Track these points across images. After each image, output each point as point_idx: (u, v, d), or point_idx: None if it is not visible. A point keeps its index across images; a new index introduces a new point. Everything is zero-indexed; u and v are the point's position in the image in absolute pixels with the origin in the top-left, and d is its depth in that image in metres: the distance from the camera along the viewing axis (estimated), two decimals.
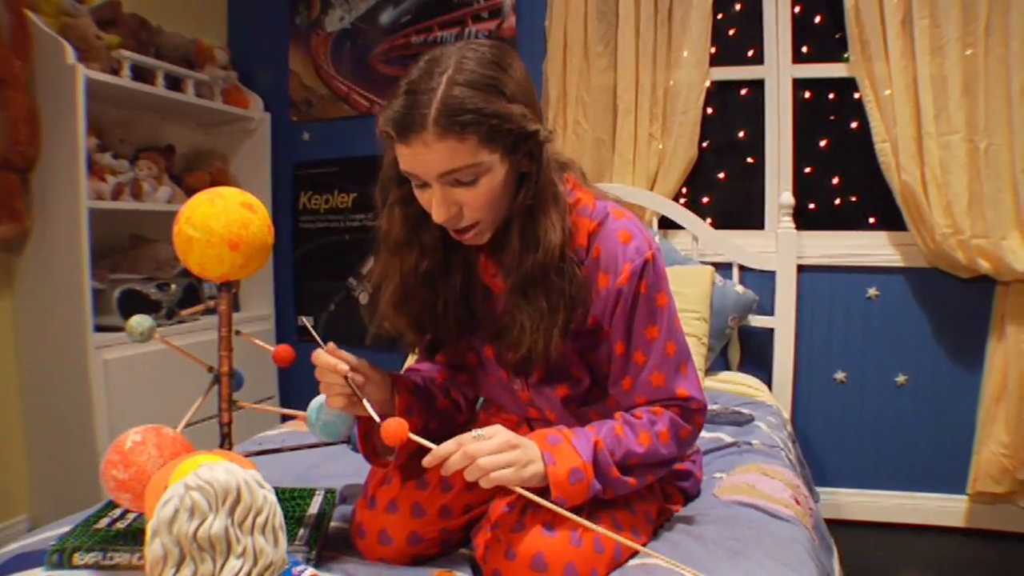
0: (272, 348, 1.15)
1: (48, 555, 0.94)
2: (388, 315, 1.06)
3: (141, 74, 2.30)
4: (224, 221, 1.00)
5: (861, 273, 2.28)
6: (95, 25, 2.19)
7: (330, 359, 0.93)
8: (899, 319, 2.26)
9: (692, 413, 1.01)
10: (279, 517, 0.64)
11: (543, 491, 0.88)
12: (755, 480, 1.32)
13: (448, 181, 0.88)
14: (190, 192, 2.52)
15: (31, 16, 2.05)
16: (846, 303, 2.31)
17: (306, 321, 1.08)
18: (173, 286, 2.32)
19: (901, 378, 2.27)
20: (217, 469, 0.62)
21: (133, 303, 2.18)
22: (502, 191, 0.92)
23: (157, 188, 2.32)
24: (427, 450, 0.85)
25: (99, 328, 2.08)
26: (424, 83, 0.86)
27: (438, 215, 0.90)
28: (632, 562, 0.98)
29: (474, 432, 0.87)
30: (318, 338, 0.97)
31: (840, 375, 2.33)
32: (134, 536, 1.00)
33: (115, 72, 2.21)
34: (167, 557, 0.59)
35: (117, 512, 1.10)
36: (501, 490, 1.07)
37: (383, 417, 0.87)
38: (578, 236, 0.98)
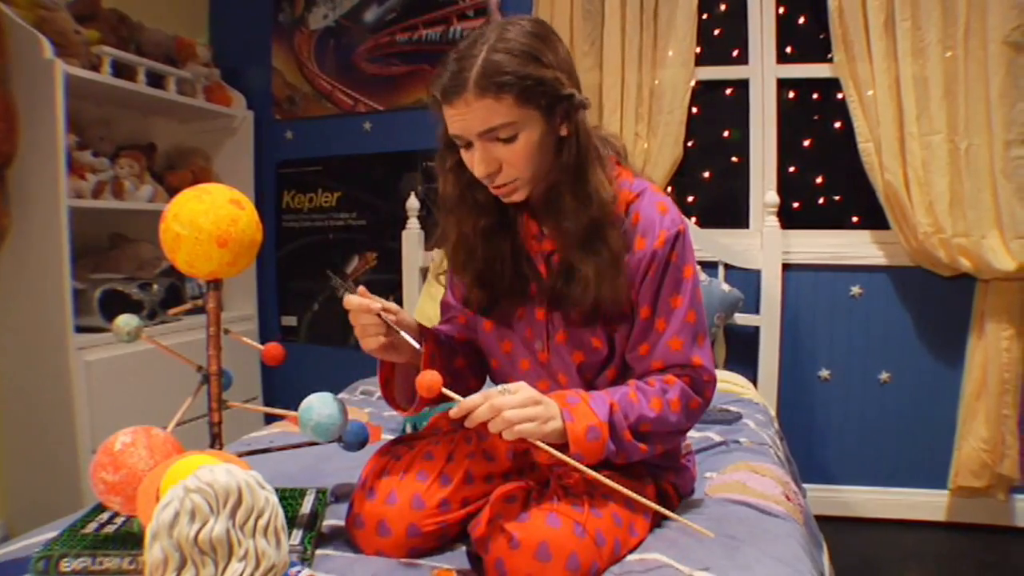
0: (261, 347, 1.14)
1: (33, 562, 0.92)
2: (458, 269, 1.13)
3: (122, 71, 2.25)
4: (212, 218, 0.98)
5: (845, 271, 2.31)
6: (73, 20, 2.14)
7: (362, 299, 0.98)
8: (882, 317, 2.29)
9: (703, 385, 1.05)
10: (281, 518, 0.63)
11: (561, 448, 0.93)
12: (746, 478, 1.33)
13: (489, 138, 0.96)
14: (172, 191, 2.48)
15: (3, 8, 2.00)
16: (830, 301, 2.33)
17: (331, 273, 1.15)
18: (155, 286, 2.28)
19: (884, 375, 2.31)
20: (217, 470, 0.61)
21: (115, 303, 2.14)
22: (539, 150, 0.98)
23: (139, 187, 2.29)
24: (446, 403, 0.92)
25: (80, 329, 2.04)
26: (468, 51, 0.94)
27: (479, 170, 0.98)
28: (631, 556, 0.99)
29: (499, 387, 0.92)
30: (344, 285, 1.02)
31: (824, 373, 2.36)
32: (124, 540, 0.98)
33: (95, 68, 2.17)
34: (167, 561, 0.58)
35: (105, 516, 1.08)
36: (499, 484, 1.08)
37: (414, 368, 0.95)
38: (618, 205, 1.03)
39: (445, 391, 0.90)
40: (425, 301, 2.36)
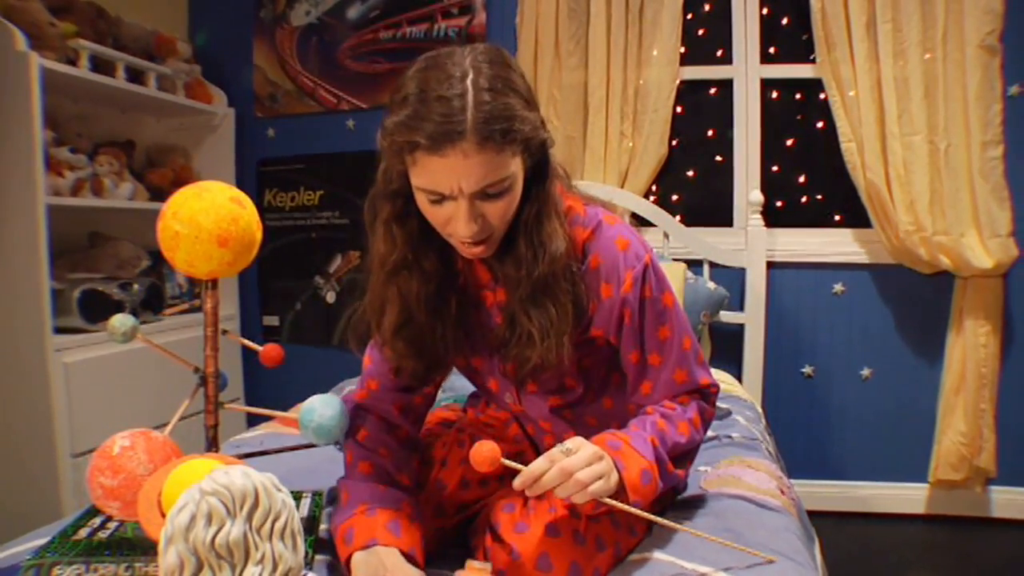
0: (260, 347, 1.12)
1: (23, 570, 0.89)
2: (388, 341, 0.98)
3: (101, 66, 2.20)
4: (213, 217, 0.96)
5: (828, 269, 2.34)
6: (47, 11, 2.08)
7: None
8: (864, 314, 2.33)
9: (711, 397, 1.04)
10: (297, 521, 0.62)
11: (616, 496, 0.86)
12: (740, 472, 1.34)
13: (479, 194, 0.82)
14: (152, 189, 2.44)
15: None
16: (813, 299, 2.37)
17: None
18: (136, 286, 2.23)
19: (866, 371, 2.35)
20: (233, 472, 0.60)
21: (94, 304, 2.09)
22: (516, 201, 0.88)
23: (119, 184, 2.23)
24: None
25: (58, 330, 1.99)
26: (447, 88, 0.78)
27: (466, 230, 0.84)
28: (632, 556, 0.99)
29: (560, 447, 0.84)
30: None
31: (807, 369, 2.40)
32: (118, 546, 0.96)
33: (71, 63, 2.11)
34: (183, 566, 0.57)
35: (97, 521, 1.05)
36: (494, 488, 1.07)
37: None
38: (574, 245, 0.94)
39: (505, 462, 0.81)
40: None
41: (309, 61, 2.77)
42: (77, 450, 2.02)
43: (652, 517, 0.90)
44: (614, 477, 0.85)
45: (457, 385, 1.55)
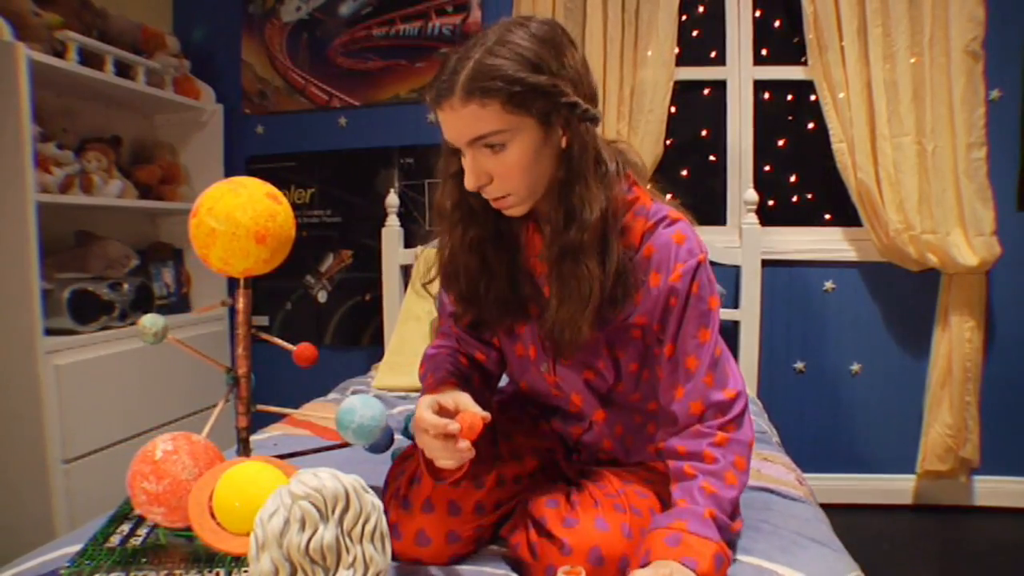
0: (293, 347, 1.10)
1: None
2: (444, 285, 1.07)
3: (88, 59, 2.14)
4: (251, 213, 0.95)
5: (818, 267, 2.40)
6: (30, 1, 2.01)
7: (439, 422, 0.90)
8: (853, 311, 2.39)
9: (743, 413, 0.98)
10: (384, 523, 0.61)
11: None
12: (758, 465, 1.37)
13: (478, 147, 0.90)
14: (140, 186, 2.38)
15: None
16: (804, 296, 2.42)
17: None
18: (125, 286, 2.18)
19: (855, 367, 2.41)
20: (323, 475, 0.59)
21: (84, 304, 2.03)
22: (534, 161, 0.91)
23: (108, 181, 2.17)
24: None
25: (48, 331, 1.93)
26: (465, 53, 0.89)
27: (468, 181, 0.92)
28: None
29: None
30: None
31: (799, 365, 2.45)
32: (154, 553, 0.94)
33: (58, 55, 2.05)
34: (278, 573, 0.56)
35: (126, 528, 1.02)
36: (527, 485, 1.08)
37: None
38: (631, 234, 0.97)
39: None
40: (411, 299, 2.33)
41: (299, 57, 2.73)
42: (68, 456, 1.96)
43: None
44: None
45: None
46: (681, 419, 0.97)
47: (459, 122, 0.89)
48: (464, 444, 0.89)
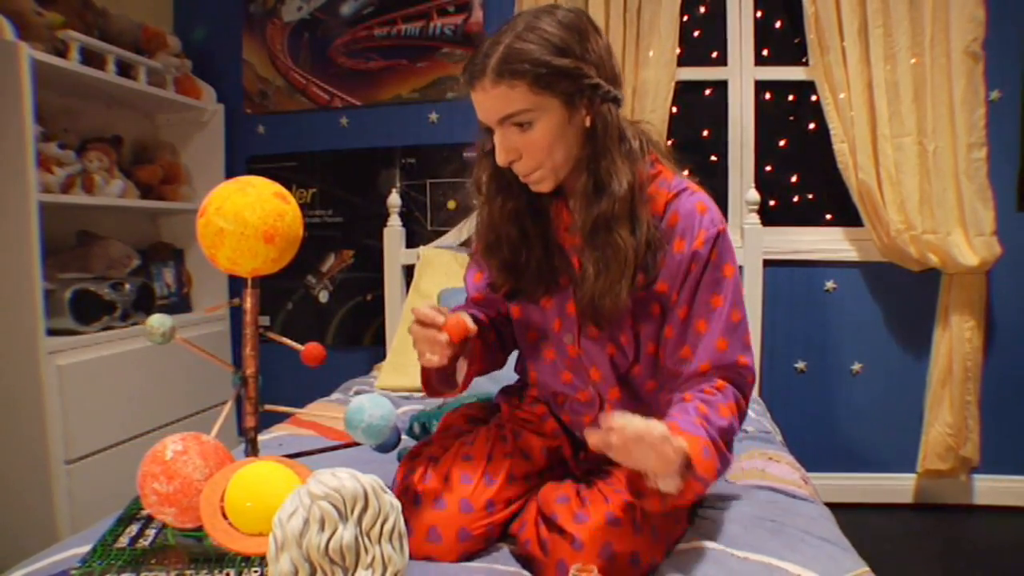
0: (301, 347, 1.10)
1: None
2: (481, 256, 1.14)
3: (90, 59, 2.13)
4: (259, 212, 0.95)
5: (819, 267, 2.40)
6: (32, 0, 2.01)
7: (429, 312, 1.00)
8: (854, 311, 2.40)
9: (747, 387, 1.02)
10: (402, 523, 0.61)
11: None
12: (763, 465, 1.38)
13: (507, 125, 0.97)
14: (142, 186, 2.37)
15: None
16: (806, 296, 2.43)
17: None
18: (127, 286, 2.17)
19: (856, 366, 2.42)
20: (342, 475, 0.59)
21: (86, 304, 2.03)
22: (560, 138, 0.98)
23: (109, 181, 2.17)
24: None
25: (50, 332, 1.93)
26: (497, 38, 0.96)
27: (499, 157, 1.00)
28: (680, 546, 1.01)
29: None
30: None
31: (800, 364, 2.45)
32: (164, 553, 0.93)
33: (60, 54, 2.04)
34: (297, 573, 0.56)
35: (135, 528, 1.02)
36: (536, 483, 1.08)
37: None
38: (655, 204, 1.03)
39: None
40: (413, 298, 2.33)
41: (301, 57, 2.72)
42: (70, 456, 1.96)
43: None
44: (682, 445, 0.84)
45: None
46: (685, 375, 1.01)
47: (489, 102, 0.96)
48: (443, 336, 0.97)
